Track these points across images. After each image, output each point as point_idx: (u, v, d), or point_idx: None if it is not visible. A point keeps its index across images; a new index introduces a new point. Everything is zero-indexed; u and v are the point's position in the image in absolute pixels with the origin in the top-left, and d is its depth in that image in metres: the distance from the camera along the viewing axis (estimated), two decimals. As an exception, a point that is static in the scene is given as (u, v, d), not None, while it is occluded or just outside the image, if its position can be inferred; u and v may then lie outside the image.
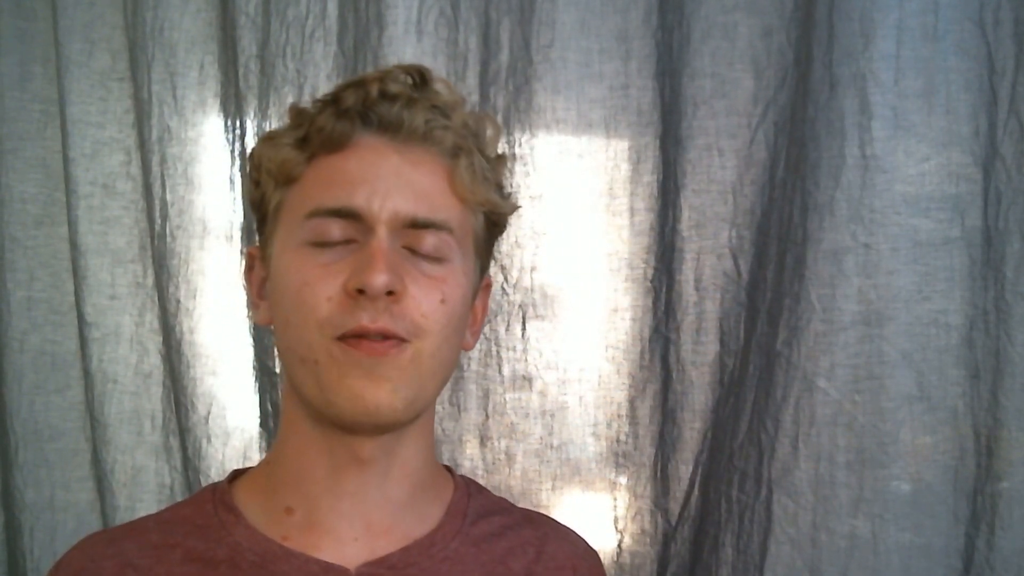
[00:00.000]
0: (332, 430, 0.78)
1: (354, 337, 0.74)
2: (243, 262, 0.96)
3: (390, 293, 0.74)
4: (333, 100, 0.81)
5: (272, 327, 0.83)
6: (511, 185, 1.27)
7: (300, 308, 0.76)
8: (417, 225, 0.78)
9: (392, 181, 0.78)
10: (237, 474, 0.88)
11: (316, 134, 0.80)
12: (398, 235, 0.77)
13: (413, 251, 0.78)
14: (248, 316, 1.32)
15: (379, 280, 0.73)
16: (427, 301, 0.77)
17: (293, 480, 0.81)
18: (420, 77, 0.82)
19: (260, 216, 0.85)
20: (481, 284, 0.88)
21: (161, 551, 0.80)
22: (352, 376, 0.74)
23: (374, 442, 0.79)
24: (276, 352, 1.26)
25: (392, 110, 0.79)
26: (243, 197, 1.31)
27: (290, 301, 0.77)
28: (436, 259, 0.79)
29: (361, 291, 0.74)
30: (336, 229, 0.77)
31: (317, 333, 0.75)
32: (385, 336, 0.75)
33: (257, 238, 0.87)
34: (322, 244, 0.77)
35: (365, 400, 0.75)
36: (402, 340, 0.75)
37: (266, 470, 0.85)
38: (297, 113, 0.83)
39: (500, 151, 0.88)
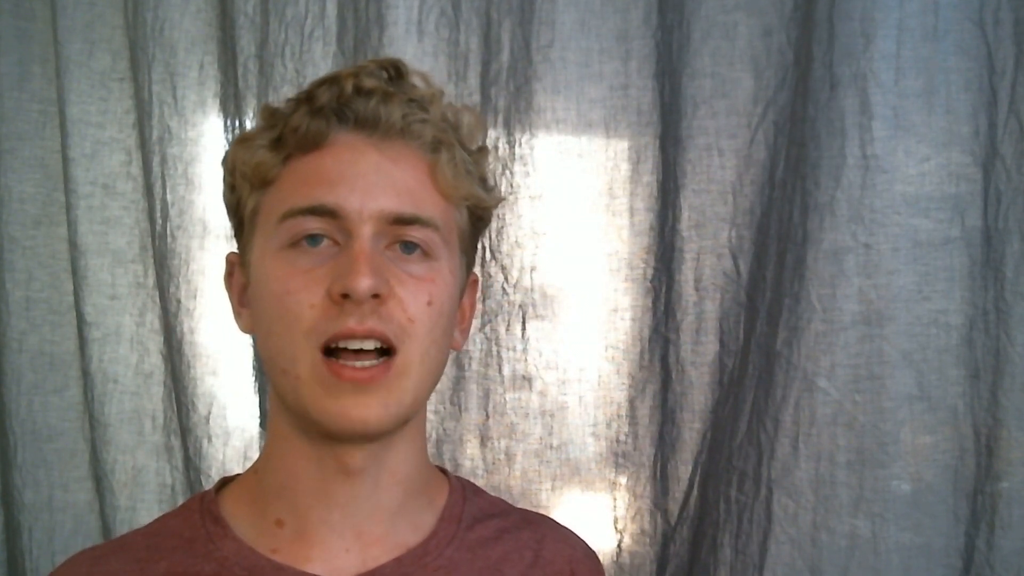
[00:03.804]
0: (319, 440, 0.76)
1: (341, 341, 0.72)
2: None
3: (375, 296, 0.72)
4: (307, 98, 0.78)
5: (254, 335, 0.80)
6: (511, 184, 1.28)
7: (283, 317, 0.74)
8: (401, 222, 0.75)
9: (372, 179, 0.75)
10: (225, 482, 0.86)
11: (291, 134, 0.77)
12: (381, 235, 0.75)
13: (397, 251, 0.76)
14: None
15: (364, 284, 0.71)
16: (414, 303, 0.75)
17: (282, 491, 0.79)
18: (395, 71, 0.80)
19: (237, 221, 0.82)
20: (468, 281, 0.86)
21: (146, 566, 0.78)
22: (336, 395, 0.73)
23: (363, 451, 0.77)
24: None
25: (368, 106, 0.76)
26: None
27: (273, 310, 0.75)
28: (422, 258, 0.77)
29: (345, 295, 0.71)
30: (314, 228, 0.74)
31: (302, 343, 0.73)
32: (373, 337, 0.72)
33: (236, 244, 0.85)
34: (301, 246, 0.75)
35: (351, 418, 0.73)
36: (389, 354, 0.73)
37: (254, 479, 0.83)
38: (270, 113, 0.81)
39: (481, 143, 0.85)
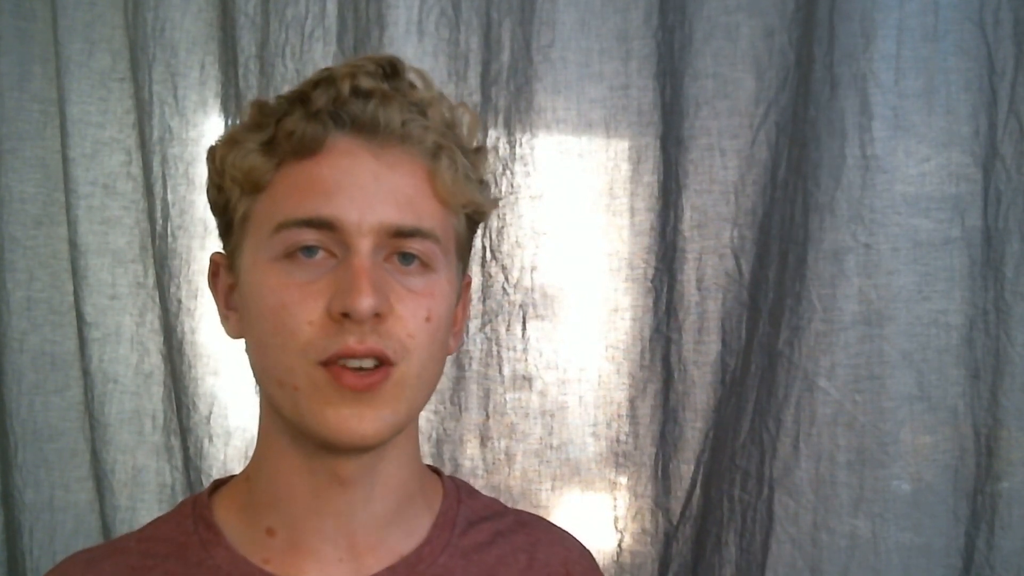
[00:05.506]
0: (312, 449, 0.75)
1: (341, 359, 0.70)
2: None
3: (376, 315, 0.70)
4: (301, 99, 0.74)
5: (244, 342, 0.77)
6: (511, 184, 1.28)
7: (279, 332, 0.71)
8: (401, 235, 0.72)
9: (371, 189, 0.72)
10: (218, 485, 0.84)
11: (285, 138, 0.73)
12: (380, 247, 0.72)
13: (396, 262, 0.73)
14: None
15: (365, 303, 0.68)
16: (413, 320, 0.72)
17: (273, 500, 0.78)
18: (392, 69, 0.76)
19: (225, 222, 0.79)
20: (462, 284, 0.84)
21: (139, 574, 0.77)
22: (336, 405, 0.71)
23: (355, 462, 0.76)
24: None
25: (367, 109, 0.73)
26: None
27: (268, 324, 0.72)
28: (420, 270, 0.74)
29: (346, 314, 0.69)
30: (310, 240, 0.72)
31: (299, 357, 0.70)
32: (373, 356, 0.71)
33: (222, 244, 0.81)
34: (296, 258, 0.72)
35: (350, 429, 0.71)
36: (388, 365, 0.72)
37: (245, 486, 0.81)
38: (259, 109, 0.77)
39: (479, 142, 0.82)
